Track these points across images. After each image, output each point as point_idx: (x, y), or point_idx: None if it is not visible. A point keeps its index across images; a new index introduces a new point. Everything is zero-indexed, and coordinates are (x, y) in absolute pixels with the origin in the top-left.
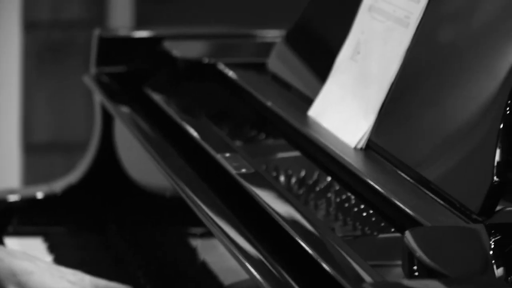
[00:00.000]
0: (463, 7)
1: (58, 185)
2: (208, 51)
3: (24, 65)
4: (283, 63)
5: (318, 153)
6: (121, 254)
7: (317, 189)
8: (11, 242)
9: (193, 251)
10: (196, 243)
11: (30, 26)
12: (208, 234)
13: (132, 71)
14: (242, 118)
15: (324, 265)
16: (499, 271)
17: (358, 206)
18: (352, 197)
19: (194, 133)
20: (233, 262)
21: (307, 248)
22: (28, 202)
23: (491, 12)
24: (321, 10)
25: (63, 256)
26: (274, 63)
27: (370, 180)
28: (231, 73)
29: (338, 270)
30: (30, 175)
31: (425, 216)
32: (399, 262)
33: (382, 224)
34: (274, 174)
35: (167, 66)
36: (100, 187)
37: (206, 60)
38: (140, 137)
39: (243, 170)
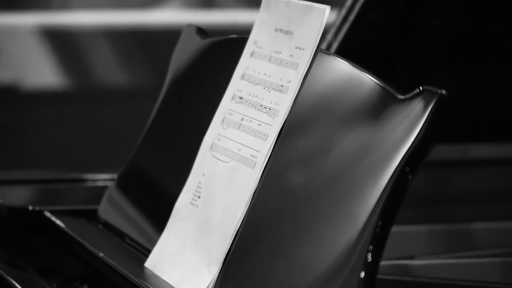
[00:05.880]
0: (317, 146)
1: None
2: (34, 197)
3: None
4: (115, 210)
5: None
6: None
7: None
8: None
9: None
10: None
11: None
12: None
13: None
14: (72, 271)
15: None
16: None
17: None
18: None
19: None
20: None
21: None
22: None
23: (347, 152)
24: (154, 150)
25: None
26: (105, 210)
27: None
28: (58, 222)
29: None
30: None
31: None
32: None
33: None
34: None
35: None
36: None
37: (31, 208)
38: None
39: None
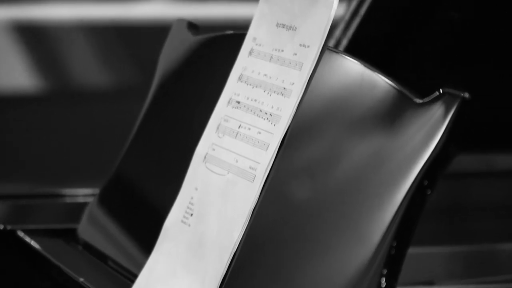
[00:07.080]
0: (324, 157)
1: None
2: (5, 215)
3: None
4: (97, 229)
5: None
6: None
7: None
8: None
9: None
10: None
11: None
12: None
13: None
14: None
15: None
16: None
17: None
18: None
19: None
20: None
21: None
22: None
23: (357, 164)
24: (141, 160)
25: None
26: (86, 229)
27: None
28: (33, 242)
29: None
30: None
31: None
32: None
33: None
34: None
35: None
36: None
37: (2, 227)
38: None
39: None
